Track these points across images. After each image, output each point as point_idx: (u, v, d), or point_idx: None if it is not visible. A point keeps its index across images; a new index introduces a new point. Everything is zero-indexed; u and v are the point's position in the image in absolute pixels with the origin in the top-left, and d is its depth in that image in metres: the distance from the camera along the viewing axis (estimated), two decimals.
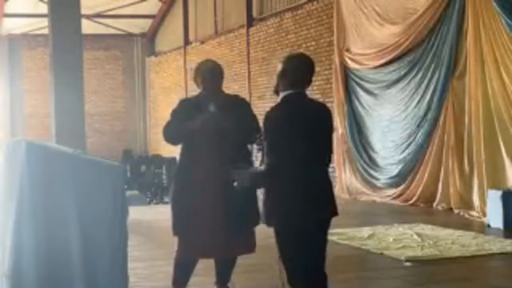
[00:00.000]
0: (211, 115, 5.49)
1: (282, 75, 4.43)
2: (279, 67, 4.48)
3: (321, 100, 13.18)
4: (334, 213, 4.45)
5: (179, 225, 5.52)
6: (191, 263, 5.66)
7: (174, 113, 5.66)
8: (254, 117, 5.69)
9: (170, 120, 5.65)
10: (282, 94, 4.42)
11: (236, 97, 5.90)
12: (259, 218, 5.57)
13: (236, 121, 5.50)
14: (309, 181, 4.32)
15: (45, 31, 10.94)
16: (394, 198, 12.07)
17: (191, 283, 5.74)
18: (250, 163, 5.67)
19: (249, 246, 5.64)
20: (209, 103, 5.54)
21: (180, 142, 5.65)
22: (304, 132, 4.32)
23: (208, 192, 5.44)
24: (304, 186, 4.30)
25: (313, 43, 14.90)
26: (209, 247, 5.50)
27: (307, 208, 4.30)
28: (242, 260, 5.85)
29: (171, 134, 5.62)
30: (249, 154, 5.70)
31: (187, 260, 5.63)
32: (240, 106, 5.72)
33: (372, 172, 12.89)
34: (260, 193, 4.61)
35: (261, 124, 5.50)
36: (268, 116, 4.36)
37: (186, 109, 5.61)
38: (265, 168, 4.32)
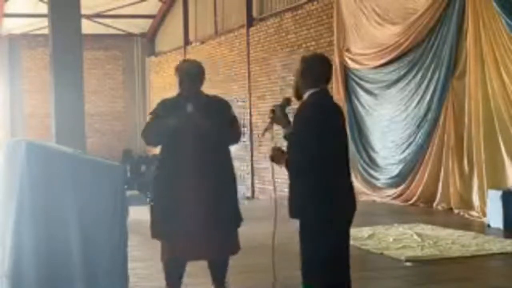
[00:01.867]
0: (188, 115, 5.44)
1: (302, 75, 4.45)
2: (299, 67, 4.51)
3: None
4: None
5: (162, 228, 5.47)
6: (181, 265, 5.64)
7: (153, 114, 5.62)
8: (234, 118, 5.67)
9: (149, 121, 5.62)
10: (307, 93, 4.44)
11: (216, 98, 5.87)
12: (241, 219, 5.59)
13: (216, 122, 5.48)
14: (342, 179, 4.42)
15: (45, 31, 10.95)
16: (394, 198, 12.07)
17: (190, 283, 5.74)
18: (231, 164, 5.66)
19: (233, 247, 5.62)
20: (188, 104, 5.48)
21: (159, 142, 5.60)
22: (335, 131, 4.38)
23: (190, 194, 5.39)
24: (340, 184, 4.39)
25: (313, 43, 14.90)
26: (193, 249, 5.46)
27: (341, 205, 4.37)
28: (241, 261, 5.85)
29: (149, 134, 5.59)
30: (230, 154, 5.68)
31: (175, 262, 5.61)
32: (221, 107, 5.67)
33: (372, 172, 12.89)
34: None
35: (241, 122, 5.51)
36: (301, 115, 4.37)
37: (165, 110, 5.58)
38: (292, 166, 4.35)
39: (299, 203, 4.38)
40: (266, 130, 4.54)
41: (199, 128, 5.43)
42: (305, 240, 4.39)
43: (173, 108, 5.54)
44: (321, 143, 4.27)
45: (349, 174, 4.54)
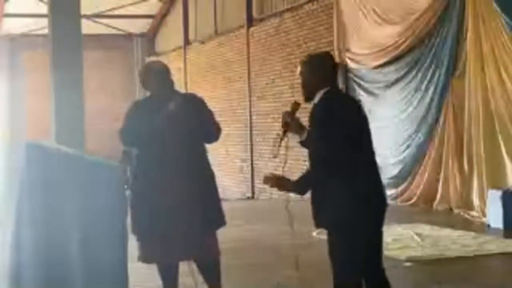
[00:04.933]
0: (170, 113, 5.39)
1: (310, 75, 4.38)
2: (299, 71, 4.45)
3: None
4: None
5: (141, 230, 5.43)
6: (171, 267, 5.61)
7: (128, 115, 5.57)
8: (212, 115, 5.63)
9: (125, 122, 5.56)
10: (319, 93, 4.35)
11: (192, 95, 5.87)
12: (223, 222, 5.53)
13: (195, 119, 5.45)
14: (372, 174, 4.40)
15: (45, 31, 10.94)
16: (394, 198, 12.06)
17: (189, 282, 5.74)
18: (209, 161, 5.62)
19: (211, 249, 5.51)
20: (167, 103, 5.43)
21: (138, 143, 5.55)
22: (358, 125, 4.40)
23: (168, 193, 5.35)
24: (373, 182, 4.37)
25: (313, 43, 14.90)
26: (169, 252, 5.40)
27: (380, 202, 4.36)
28: (240, 260, 5.84)
29: (129, 135, 5.54)
30: (206, 152, 5.64)
31: (162, 265, 5.59)
32: (197, 104, 5.63)
33: None
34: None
35: (218, 119, 5.47)
36: (322, 114, 4.28)
37: (141, 111, 5.53)
38: (320, 166, 4.23)
39: (332, 211, 4.26)
40: (280, 140, 4.37)
41: (179, 126, 5.39)
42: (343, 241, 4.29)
43: (150, 108, 5.48)
44: (348, 138, 4.23)
45: (375, 167, 4.47)
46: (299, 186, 4.26)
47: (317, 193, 4.31)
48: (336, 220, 4.24)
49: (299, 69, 4.48)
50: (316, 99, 4.37)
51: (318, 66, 4.41)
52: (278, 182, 4.27)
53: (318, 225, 4.37)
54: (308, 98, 4.44)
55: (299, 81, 4.49)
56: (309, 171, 4.29)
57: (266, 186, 4.42)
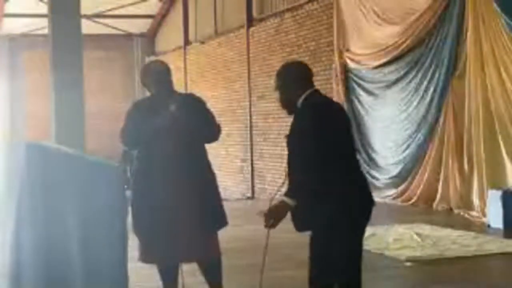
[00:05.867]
0: (171, 114, 5.39)
1: (289, 84, 4.36)
2: (276, 81, 4.42)
3: None
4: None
5: (141, 230, 5.42)
6: (172, 267, 5.60)
7: (129, 116, 5.53)
8: (211, 115, 5.62)
9: (126, 123, 5.52)
10: (301, 99, 4.33)
11: (191, 96, 5.84)
12: (226, 221, 5.52)
13: (196, 119, 5.44)
14: (356, 174, 4.43)
15: (45, 31, 10.93)
16: (394, 198, 12.07)
17: (189, 282, 5.73)
18: (209, 161, 5.61)
19: (212, 249, 5.50)
20: (167, 103, 5.42)
21: (140, 144, 5.52)
22: (343, 126, 4.37)
23: (169, 193, 5.33)
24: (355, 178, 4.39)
25: (313, 43, 14.90)
26: (171, 252, 5.39)
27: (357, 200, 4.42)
28: (240, 260, 5.84)
29: (130, 136, 5.50)
30: (206, 152, 5.63)
31: (163, 266, 5.59)
32: (197, 104, 5.62)
33: (372, 172, 12.88)
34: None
35: (218, 119, 5.47)
36: (308, 117, 4.25)
37: (141, 111, 5.50)
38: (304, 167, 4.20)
39: (309, 213, 4.24)
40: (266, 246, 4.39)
41: (179, 127, 5.37)
42: (323, 243, 4.29)
43: (151, 110, 5.47)
44: (335, 139, 4.22)
45: (359, 168, 4.49)
46: (293, 192, 4.21)
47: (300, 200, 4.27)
48: (320, 224, 4.25)
49: (274, 84, 4.45)
50: (299, 103, 4.35)
51: (291, 75, 4.39)
52: (275, 211, 4.20)
53: (299, 229, 4.35)
54: (291, 110, 4.41)
55: (278, 96, 4.45)
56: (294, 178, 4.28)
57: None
